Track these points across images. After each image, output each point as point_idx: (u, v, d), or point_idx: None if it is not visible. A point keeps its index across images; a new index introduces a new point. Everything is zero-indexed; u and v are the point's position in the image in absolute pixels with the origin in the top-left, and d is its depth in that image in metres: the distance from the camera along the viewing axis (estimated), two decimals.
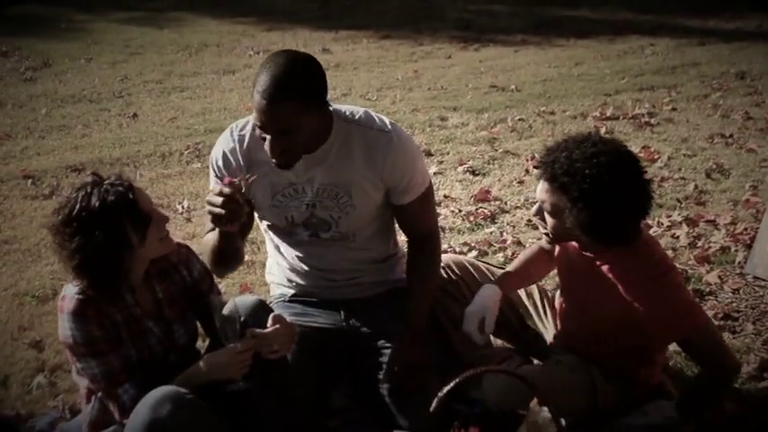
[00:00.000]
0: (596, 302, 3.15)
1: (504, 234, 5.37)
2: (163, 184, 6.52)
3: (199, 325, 3.25)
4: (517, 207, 5.86)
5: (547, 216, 3.10)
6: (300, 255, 3.40)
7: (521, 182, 6.34)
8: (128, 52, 12.04)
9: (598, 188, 2.91)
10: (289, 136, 2.88)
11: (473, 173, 6.58)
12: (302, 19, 14.31)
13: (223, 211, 2.81)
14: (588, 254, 3.17)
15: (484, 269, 3.68)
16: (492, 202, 5.92)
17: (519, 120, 8.18)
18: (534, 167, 3.13)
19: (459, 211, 5.70)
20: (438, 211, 5.36)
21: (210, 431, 2.85)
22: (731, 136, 7.43)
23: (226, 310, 2.96)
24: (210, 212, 2.85)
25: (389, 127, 3.20)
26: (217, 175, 3.26)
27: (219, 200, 2.82)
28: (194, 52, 12.05)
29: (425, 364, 3.20)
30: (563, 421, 2.65)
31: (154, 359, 2.97)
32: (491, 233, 5.39)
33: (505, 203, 5.92)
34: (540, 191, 3.08)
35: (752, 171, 6.45)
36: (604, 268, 3.11)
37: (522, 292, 3.69)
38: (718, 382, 3.13)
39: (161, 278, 3.07)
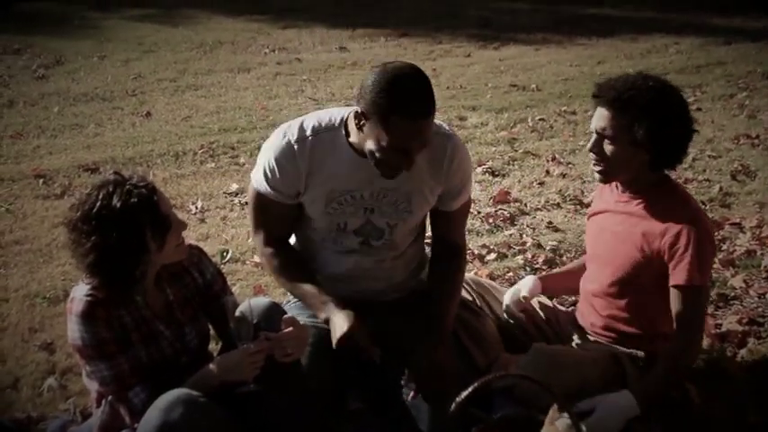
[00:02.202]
0: (627, 242, 3.24)
1: (524, 236, 5.27)
2: (176, 184, 6.46)
3: (211, 327, 3.21)
4: (537, 209, 5.76)
5: (606, 145, 3.16)
6: (338, 261, 3.31)
7: (541, 183, 6.25)
8: (141, 50, 12.04)
9: (660, 101, 3.11)
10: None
11: (492, 174, 6.49)
12: (318, 16, 14.29)
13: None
14: (627, 195, 3.29)
15: (500, 288, 3.71)
16: (512, 204, 5.83)
17: (539, 120, 8.10)
18: (594, 96, 3.14)
19: (479, 212, 5.60)
20: None
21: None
22: (757, 137, 7.32)
23: (239, 312, 2.91)
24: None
25: (449, 130, 3.21)
26: (269, 184, 3.16)
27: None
28: (209, 50, 12.04)
29: (451, 369, 3.11)
30: (583, 427, 2.57)
31: (165, 362, 2.93)
32: (510, 235, 5.29)
33: (525, 205, 5.83)
34: (600, 118, 3.17)
35: None
36: (641, 206, 3.24)
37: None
38: (690, 358, 3.23)
39: (172, 280, 3.02)
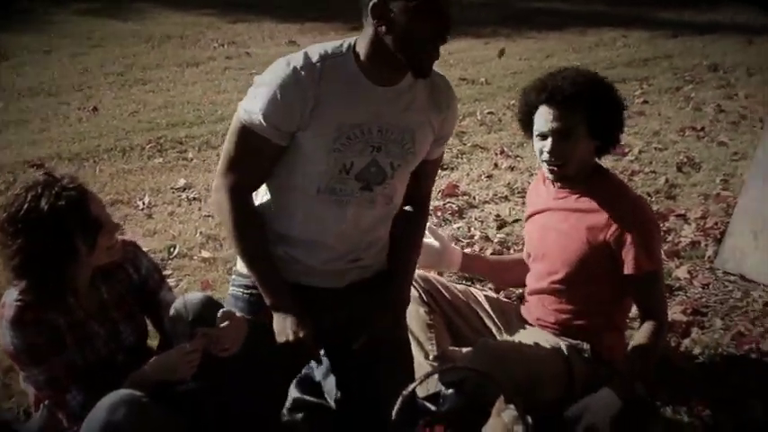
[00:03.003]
0: (573, 238, 3.26)
1: (473, 229, 5.28)
2: (123, 180, 6.39)
3: (150, 323, 3.15)
4: (485, 202, 5.78)
5: (564, 144, 3.18)
6: (332, 215, 2.97)
7: (489, 176, 6.27)
8: (88, 44, 11.90)
9: (600, 89, 3.25)
10: None
11: (441, 167, 6.46)
12: (267, 10, 14.19)
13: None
14: (565, 191, 3.32)
15: (447, 284, 3.66)
16: (460, 197, 5.83)
17: (488, 113, 8.12)
18: (544, 100, 3.17)
19: None
20: None
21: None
22: (703, 129, 7.40)
23: (173, 309, 2.89)
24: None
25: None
26: (266, 118, 2.77)
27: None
28: (157, 44, 11.93)
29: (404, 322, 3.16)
30: (529, 419, 2.59)
31: (101, 362, 2.87)
32: (459, 228, 5.30)
33: (474, 198, 5.84)
34: (549, 119, 3.20)
35: (723, 165, 6.41)
36: (582, 200, 3.27)
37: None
38: (661, 332, 3.21)
39: (106, 278, 2.95)
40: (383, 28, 2.69)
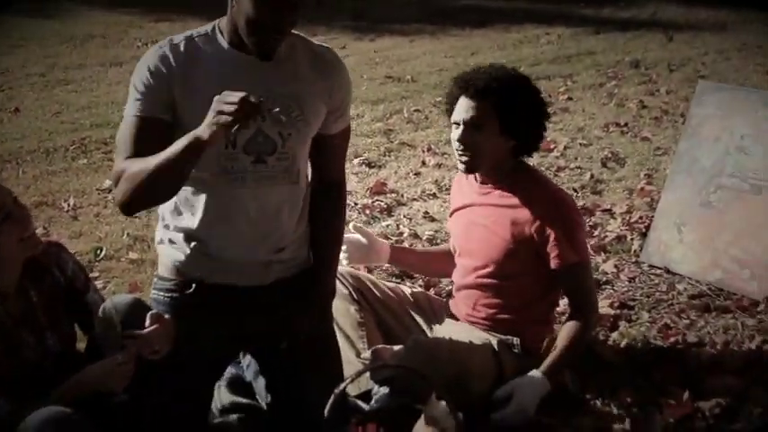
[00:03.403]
0: (498, 233, 3.29)
1: (401, 227, 5.28)
2: (47, 182, 6.30)
3: (77, 326, 3.07)
4: (413, 199, 5.79)
5: (474, 135, 3.20)
6: (233, 200, 2.90)
7: (417, 173, 6.29)
8: (8, 44, 11.69)
9: (522, 89, 3.27)
10: None
11: (369, 165, 6.50)
12: (190, 9, 13.99)
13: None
14: (488, 186, 3.35)
15: (376, 281, 3.67)
16: (388, 195, 5.84)
17: (415, 111, 8.15)
18: (460, 88, 3.18)
19: (355, 204, 5.60)
20: None
21: None
22: (626, 125, 7.50)
23: (101, 312, 2.82)
24: (225, 112, 2.48)
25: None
26: (142, 99, 2.75)
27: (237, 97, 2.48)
28: (79, 44, 11.78)
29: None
30: (460, 415, 2.60)
31: (28, 370, 2.79)
32: (387, 226, 5.30)
33: (402, 196, 5.85)
34: (467, 109, 3.22)
35: (646, 159, 6.49)
36: (505, 195, 3.30)
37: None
38: (587, 324, 3.28)
39: (34, 282, 2.87)
40: (234, 7, 2.74)
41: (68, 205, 5.77)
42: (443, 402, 2.61)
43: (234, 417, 3.22)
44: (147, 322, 2.76)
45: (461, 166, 3.30)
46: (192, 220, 2.91)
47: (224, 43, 2.81)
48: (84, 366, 2.76)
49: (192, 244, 2.94)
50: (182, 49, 2.79)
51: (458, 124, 3.24)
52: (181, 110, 2.76)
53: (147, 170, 2.63)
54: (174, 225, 2.96)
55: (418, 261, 3.88)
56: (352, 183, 6.00)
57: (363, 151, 6.83)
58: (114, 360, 2.70)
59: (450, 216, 3.59)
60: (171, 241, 2.99)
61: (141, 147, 2.72)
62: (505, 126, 3.19)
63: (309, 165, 3.08)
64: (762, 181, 4.22)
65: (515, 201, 3.25)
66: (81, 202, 5.86)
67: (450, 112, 3.33)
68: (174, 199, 2.89)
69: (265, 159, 2.87)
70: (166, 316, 2.86)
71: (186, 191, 2.87)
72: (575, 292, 3.31)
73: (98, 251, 4.97)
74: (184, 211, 2.93)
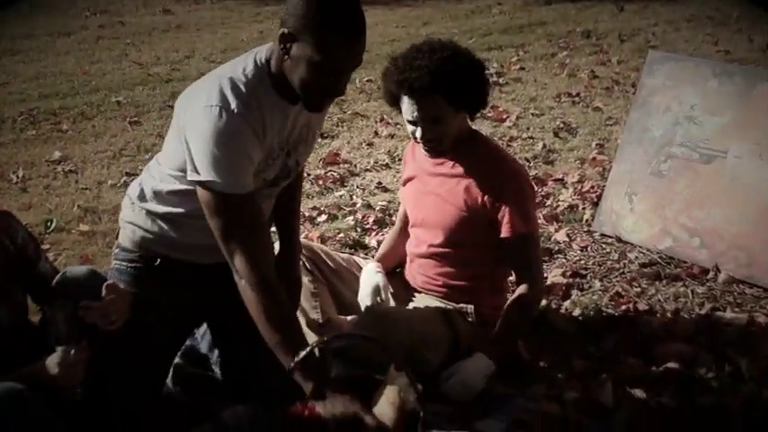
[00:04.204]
0: (451, 202, 3.28)
1: (354, 197, 5.29)
2: None
3: (30, 298, 3.00)
4: (366, 170, 5.79)
5: (425, 129, 3.19)
6: None
7: (370, 144, 6.29)
8: None
9: (456, 60, 3.16)
10: None
11: (321, 136, 6.47)
12: None
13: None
14: (443, 160, 3.32)
15: (331, 252, 3.67)
16: (341, 165, 5.84)
17: (367, 81, 8.14)
18: (403, 92, 3.14)
19: (308, 174, 5.59)
20: None
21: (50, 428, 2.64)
22: (578, 95, 7.54)
23: (56, 284, 2.81)
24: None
25: None
26: (241, 178, 2.66)
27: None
28: (26, 13, 11.62)
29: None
30: (420, 387, 2.60)
31: None
32: (341, 197, 5.31)
33: (355, 166, 5.85)
34: (414, 110, 3.16)
35: (598, 129, 6.54)
36: (458, 165, 3.29)
37: None
38: (533, 297, 3.30)
39: None
40: (288, 61, 2.63)
41: (17, 177, 5.71)
42: (403, 373, 2.61)
43: (188, 387, 3.22)
44: (104, 293, 2.73)
45: (431, 153, 3.29)
46: (175, 210, 2.91)
47: (272, 91, 2.72)
48: (36, 339, 2.74)
49: (166, 227, 2.94)
50: (254, 107, 2.66)
51: (413, 123, 3.21)
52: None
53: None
54: (153, 209, 2.95)
55: (395, 256, 3.74)
56: None
57: None
58: (66, 357, 2.62)
59: (404, 185, 3.58)
60: (142, 220, 2.97)
61: (251, 230, 2.69)
62: (457, 105, 3.17)
63: None
64: (711, 150, 4.26)
65: (469, 170, 3.25)
66: (30, 173, 5.79)
67: (391, 103, 3.30)
68: (162, 186, 2.91)
69: (279, 184, 2.98)
70: (122, 286, 2.83)
71: (181, 188, 2.85)
72: (521, 263, 3.30)
73: (48, 223, 4.92)
74: (169, 201, 2.92)
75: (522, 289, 3.25)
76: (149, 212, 2.96)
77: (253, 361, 3.01)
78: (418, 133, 3.21)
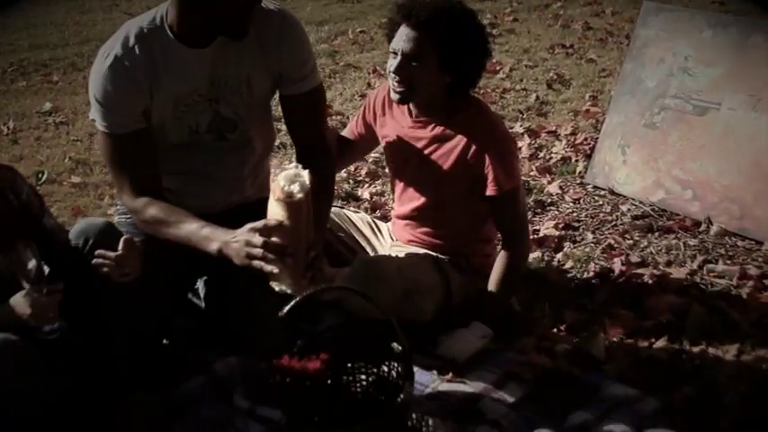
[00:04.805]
0: (436, 164, 3.25)
1: None
2: None
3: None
4: None
5: (411, 68, 3.11)
6: (197, 165, 3.09)
7: (363, 95, 6.26)
8: None
9: (465, 25, 3.11)
10: None
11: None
12: None
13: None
14: (423, 118, 3.27)
15: None
16: (334, 117, 5.81)
17: (360, 32, 8.10)
18: (402, 16, 3.12)
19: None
20: (279, 126, 5.24)
21: (31, 372, 2.65)
22: (572, 46, 7.51)
23: (73, 236, 2.84)
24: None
25: (278, 6, 2.97)
26: (113, 118, 2.83)
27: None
28: None
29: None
30: (405, 342, 2.61)
31: None
32: None
33: (347, 117, 5.82)
34: (407, 40, 3.10)
35: (591, 81, 6.51)
36: (440, 127, 3.23)
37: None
38: (523, 252, 3.31)
39: None
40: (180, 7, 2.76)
41: (8, 128, 5.70)
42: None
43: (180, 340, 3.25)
44: (120, 246, 2.71)
45: (395, 96, 3.20)
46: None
47: (171, 38, 2.82)
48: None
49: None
50: (137, 52, 2.80)
51: (395, 54, 3.15)
52: (152, 108, 2.86)
53: (162, 233, 2.83)
54: None
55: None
56: None
57: None
58: (35, 299, 2.64)
59: (385, 144, 3.47)
60: None
61: (132, 163, 2.88)
62: (444, 62, 3.09)
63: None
64: (705, 102, 4.24)
65: (452, 131, 3.21)
66: (21, 125, 5.78)
67: (390, 38, 3.25)
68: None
69: (227, 137, 3.03)
70: (136, 239, 2.80)
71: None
72: (507, 219, 3.26)
73: (40, 175, 4.91)
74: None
75: (509, 246, 3.24)
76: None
77: (244, 313, 3.05)
78: (392, 66, 3.15)
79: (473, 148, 3.15)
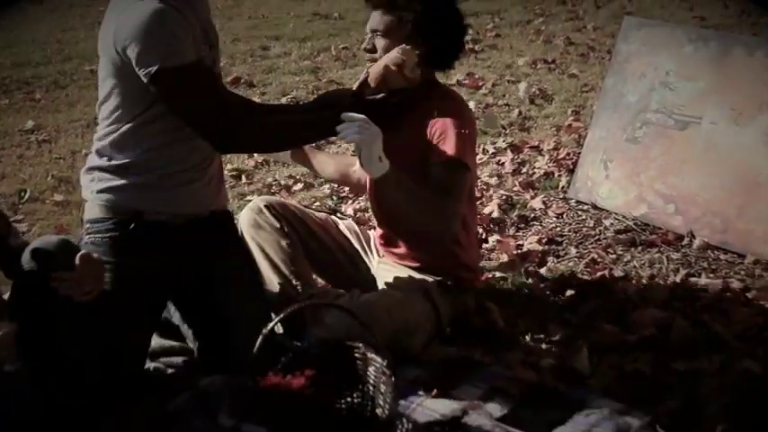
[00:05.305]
0: (408, 151, 3.13)
1: None
2: None
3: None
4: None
5: (380, 43, 3.17)
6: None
7: None
8: None
9: (435, 16, 3.17)
10: None
11: (297, 103, 6.44)
12: None
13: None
14: None
15: (305, 210, 3.64)
16: None
17: (343, 48, 8.11)
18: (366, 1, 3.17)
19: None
20: None
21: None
22: (554, 61, 7.54)
23: (27, 255, 2.73)
24: None
25: None
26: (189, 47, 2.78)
27: None
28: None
29: None
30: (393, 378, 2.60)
31: None
32: None
33: None
34: (372, 20, 3.20)
35: (574, 96, 6.54)
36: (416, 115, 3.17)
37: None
38: (441, 202, 3.05)
39: None
40: None
41: None
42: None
43: (164, 360, 3.22)
44: (77, 263, 2.66)
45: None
46: (139, 150, 2.94)
47: None
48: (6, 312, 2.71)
49: (138, 175, 2.96)
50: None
51: (368, 34, 3.24)
52: None
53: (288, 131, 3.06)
54: (121, 163, 2.96)
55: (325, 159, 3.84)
56: None
57: (291, 89, 6.79)
58: None
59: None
60: (114, 180, 2.98)
61: (219, 85, 3.04)
62: (408, 33, 3.12)
63: None
64: (687, 116, 4.27)
65: (421, 119, 3.16)
66: (3, 143, 5.77)
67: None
68: (118, 137, 2.95)
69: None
70: (95, 255, 2.76)
71: (134, 125, 2.92)
72: (444, 181, 3.07)
73: (22, 193, 4.90)
74: (130, 145, 2.95)
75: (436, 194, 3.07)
76: (118, 168, 2.97)
77: (223, 333, 3.04)
78: (364, 43, 3.25)
79: (434, 128, 3.12)
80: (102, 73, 2.93)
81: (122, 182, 2.96)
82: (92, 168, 3.03)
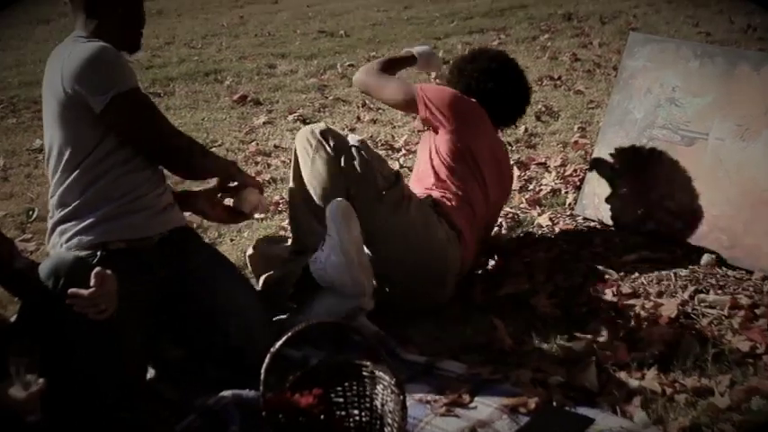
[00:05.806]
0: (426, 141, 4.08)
1: None
2: None
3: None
4: None
5: None
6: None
7: (352, 129, 6.28)
8: None
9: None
10: None
11: (303, 121, 6.48)
12: None
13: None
14: None
15: None
16: None
17: (349, 66, 8.12)
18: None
19: (290, 160, 5.55)
20: (269, 161, 5.25)
21: None
22: (560, 78, 7.54)
23: (42, 274, 2.74)
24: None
25: None
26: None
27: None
28: (5, 2, 11.49)
29: None
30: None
31: None
32: None
33: None
34: None
35: (580, 113, 6.54)
36: None
37: None
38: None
39: None
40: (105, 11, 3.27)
41: None
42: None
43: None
44: (92, 281, 2.64)
45: None
46: (93, 180, 3.09)
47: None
48: (12, 335, 2.71)
49: (99, 207, 3.09)
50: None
51: None
52: None
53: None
54: (83, 203, 3.11)
55: None
56: (287, 139, 5.98)
57: (298, 107, 6.80)
58: (18, 397, 2.45)
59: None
60: (78, 222, 3.10)
61: None
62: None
63: None
64: (693, 132, 4.26)
65: None
66: (11, 162, 5.78)
67: None
68: (70, 182, 3.11)
69: None
70: (108, 272, 2.73)
71: (84, 159, 3.08)
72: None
73: (30, 212, 4.92)
74: (82, 183, 3.09)
75: None
76: (77, 210, 3.10)
77: (216, 324, 3.14)
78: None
79: None
80: (47, 124, 3.15)
81: (86, 222, 3.07)
82: (55, 224, 3.17)
